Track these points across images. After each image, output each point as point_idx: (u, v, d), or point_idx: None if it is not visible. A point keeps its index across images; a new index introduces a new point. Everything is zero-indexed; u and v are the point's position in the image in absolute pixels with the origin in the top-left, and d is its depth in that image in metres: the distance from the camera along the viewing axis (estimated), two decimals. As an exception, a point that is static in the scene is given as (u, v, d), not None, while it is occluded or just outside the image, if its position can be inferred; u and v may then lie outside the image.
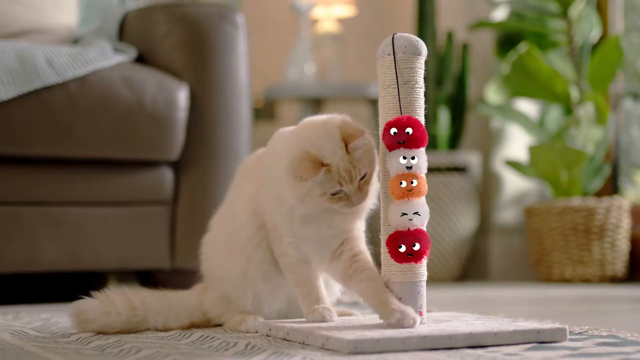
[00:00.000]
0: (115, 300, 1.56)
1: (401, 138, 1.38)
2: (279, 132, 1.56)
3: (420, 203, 1.39)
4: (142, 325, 1.57)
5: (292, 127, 1.54)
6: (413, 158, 1.38)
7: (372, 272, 1.45)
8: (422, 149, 1.40)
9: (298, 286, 1.52)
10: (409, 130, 1.39)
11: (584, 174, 3.13)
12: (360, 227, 1.52)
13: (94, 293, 1.57)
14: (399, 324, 1.36)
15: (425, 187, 1.40)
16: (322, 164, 1.39)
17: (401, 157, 1.38)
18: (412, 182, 1.38)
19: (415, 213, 1.38)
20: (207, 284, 1.67)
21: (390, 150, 1.40)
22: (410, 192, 1.38)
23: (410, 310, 1.37)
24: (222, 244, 1.62)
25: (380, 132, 1.44)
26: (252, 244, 1.55)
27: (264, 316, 1.60)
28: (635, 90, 3.37)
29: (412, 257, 1.38)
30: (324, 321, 1.47)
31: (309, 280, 1.51)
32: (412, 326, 1.36)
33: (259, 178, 1.56)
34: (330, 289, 1.65)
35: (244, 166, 1.65)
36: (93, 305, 1.55)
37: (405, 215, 1.38)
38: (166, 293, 1.63)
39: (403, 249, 1.37)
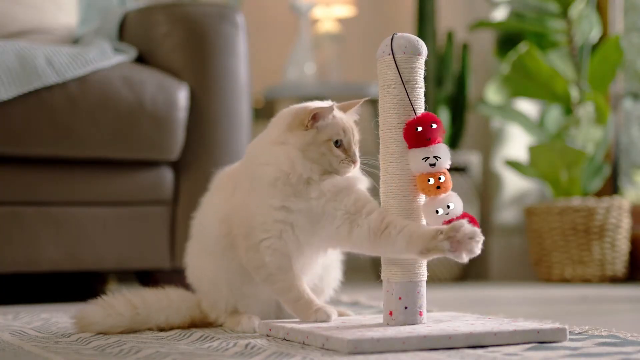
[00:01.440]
0: (115, 303, 1.56)
1: (428, 135, 1.39)
2: (254, 140, 1.58)
3: (452, 195, 1.39)
4: (145, 324, 1.57)
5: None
6: (437, 157, 1.39)
7: (410, 221, 1.41)
8: (443, 145, 1.41)
9: (284, 294, 1.50)
10: (434, 125, 1.40)
11: (584, 174, 3.13)
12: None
13: (93, 300, 1.58)
14: (460, 231, 1.30)
15: (450, 181, 1.40)
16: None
17: (423, 157, 1.39)
18: (439, 179, 1.38)
19: (448, 206, 1.37)
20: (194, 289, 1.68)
21: (413, 147, 1.40)
22: (439, 190, 1.38)
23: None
24: (196, 252, 1.65)
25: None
26: (217, 251, 1.57)
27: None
28: (635, 90, 3.37)
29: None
30: (329, 320, 1.46)
31: (294, 285, 1.49)
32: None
33: (227, 189, 1.57)
34: (321, 291, 1.65)
35: (217, 178, 1.66)
36: (94, 309, 1.55)
37: (441, 212, 1.37)
38: (167, 290, 1.64)
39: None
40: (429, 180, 1.38)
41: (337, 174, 1.47)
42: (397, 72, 1.43)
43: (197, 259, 1.64)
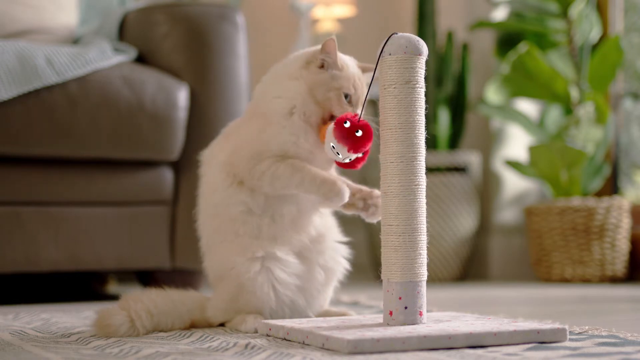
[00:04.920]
0: (140, 313, 1.54)
1: (349, 135, 1.46)
2: (264, 78, 1.62)
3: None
4: (153, 330, 1.57)
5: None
6: (338, 154, 1.47)
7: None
8: (356, 155, 1.49)
9: (301, 174, 1.51)
10: (359, 132, 1.46)
11: (584, 174, 3.13)
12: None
13: (118, 303, 1.56)
14: (372, 197, 1.57)
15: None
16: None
17: (332, 145, 1.47)
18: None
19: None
20: (214, 286, 1.66)
21: (334, 136, 1.47)
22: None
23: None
24: (215, 229, 1.64)
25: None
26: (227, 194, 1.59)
27: (270, 314, 1.60)
28: (635, 90, 3.37)
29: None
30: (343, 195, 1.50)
31: (307, 167, 1.53)
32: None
33: (230, 138, 1.61)
34: (323, 298, 1.67)
35: (207, 154, 1.68)
36: (119, 318, 1.52)
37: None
38: (168, 292, 1.63)
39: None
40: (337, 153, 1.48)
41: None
42: (373, 73, 1.47)
43: (207, 226, 1.65)
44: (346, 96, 1.54)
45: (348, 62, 1.57)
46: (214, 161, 1.63)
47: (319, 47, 1.55)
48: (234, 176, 1.58)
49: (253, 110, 1.61)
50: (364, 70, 1.60)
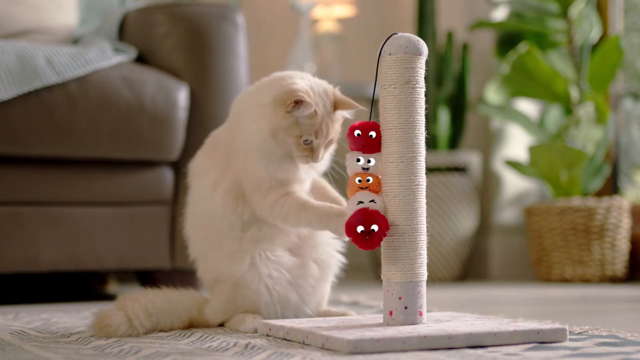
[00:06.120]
0: (138, 312, 1.54)
1: (364, 142, 1.44)
2: (241, 95, 1.65)
3: (378, 197, 1.44)
4: (152, 330, 1.57)
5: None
6: (369, 161, 1.44)
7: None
8: (379, 154, 1.45)
9: (305, 213, 1.52)
10: (373, 134, 1.45)
11: (584, 174, 3.13)
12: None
13: (115, 303, 1.57)
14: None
15: (380, 186, 1.44)
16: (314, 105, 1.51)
17: (357, 159, 1.44)
18: (367, 180, 1.43)
19: (372, 201, 1.42)
20: (210, 290, 1.66)
21: (354, 151, 1.45)
22: (364, 190, 1.43)
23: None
24: (206, 240, 1.64)
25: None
26: (227, 216, 1.60)
27: (264, 315, 1.60)
28: (635, 90, 3.37)
29: (370, 239, 1.39)
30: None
31: (310, 203, 1.53)
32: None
33: (220, 159, 1.62)
34: (320, 294, 1.67)
35: (195, 165, 1.68)
36: (117, 318, 1.52)
37: (362, 203, 1.42)
38: (165, 292, 1.63)
39: (361, 229, 1.39)
40: (357, 180, 1.43)
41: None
42: (376, 74, 1.47)
43: (203, 238, 1.65)
44: (306, 141, 1.52)
45: (320, 107, 1.52)
46: (206, 177, 1.63)
47: (294, 86, 1.52)
48: (243, 202, 1.59)
49: (233, 128, 1.62)
50: (341, 105, 1.56)
